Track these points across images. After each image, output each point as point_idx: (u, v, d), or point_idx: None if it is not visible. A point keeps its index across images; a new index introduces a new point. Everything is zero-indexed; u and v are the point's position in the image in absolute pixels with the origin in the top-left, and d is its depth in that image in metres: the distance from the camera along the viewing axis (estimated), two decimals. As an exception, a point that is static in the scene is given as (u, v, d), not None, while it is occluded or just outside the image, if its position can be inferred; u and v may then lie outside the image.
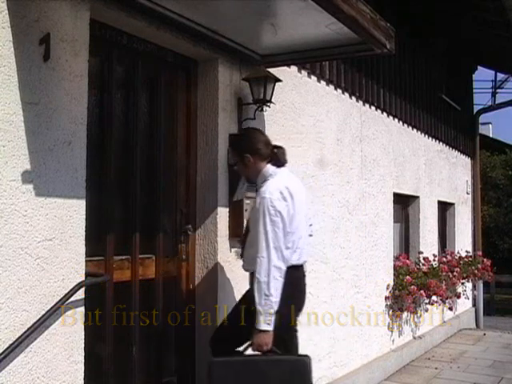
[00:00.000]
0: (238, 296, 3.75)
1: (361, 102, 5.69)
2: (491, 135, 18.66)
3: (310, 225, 3.42)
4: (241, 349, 3.08)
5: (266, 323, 2.86)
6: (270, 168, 3.15)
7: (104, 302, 3.07)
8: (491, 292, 11.79)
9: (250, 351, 3.04)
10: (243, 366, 2.94)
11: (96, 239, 2.98)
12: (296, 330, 3.18)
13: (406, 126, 6.84)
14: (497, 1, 6.68)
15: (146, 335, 3.36)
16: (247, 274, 3.85)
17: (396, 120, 6.56)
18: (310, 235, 3.41)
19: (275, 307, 2.87)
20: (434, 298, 6.73)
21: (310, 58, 4.01)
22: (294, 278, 3.01)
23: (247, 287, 3.85)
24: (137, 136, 3.34)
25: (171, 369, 3.59)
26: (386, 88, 6.27)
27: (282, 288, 2.90)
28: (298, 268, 3.09)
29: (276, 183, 3.06)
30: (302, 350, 4.45)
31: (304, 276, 3.20)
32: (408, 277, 6.23)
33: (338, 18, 3.04)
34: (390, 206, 6.28)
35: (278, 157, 3.20)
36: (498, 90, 10.73)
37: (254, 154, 3.17)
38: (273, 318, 2.87)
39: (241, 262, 3.81)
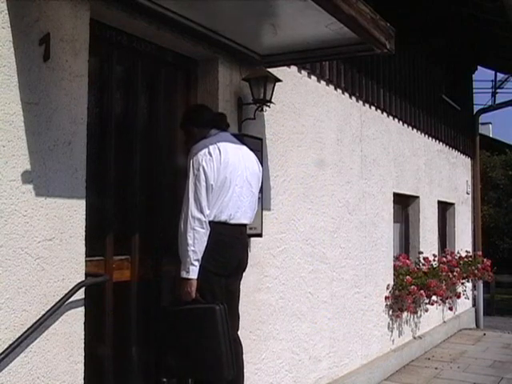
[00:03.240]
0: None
1: (361, 102, 5.69)
2: (491, 135, 18.66)
3: (259, 198, 3.49)
4: None
5: (185, 271, 2.98)
6: (212, 130, 3.26)
7: (104, 302, 3.08)
8: (491, 292, 11.79)
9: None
10: (175, 314, 3.09)
11: (95, 239, 2.98)
12: (225, 284, 3.18)
13: (405, 126, 6.84)
14: (497, 1, 6.68)
15: (146, 335, 3.36)
16: (247, 274, 3.86)
17: (396, 120, 6.56)
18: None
19: (195, 256, 2.97)
20: (434, 297, 6.73)
21: (310, 58, 4.01)
22: (218, 233, 3.06)
23: (247, 287, 3.85)
24: (137, 136, 3.33)
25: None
26: (386, 88, 6.27)
27: (207, 241, 3.01)
28: (227, 226, 3.13)
29: (206, 141, 3.15)
30: (302, 350, 4.48)
31: (236, 235, 3.21)
32: (408, 277, 6.23)
33: (337, 17, 3.04)
34: (390, 205, 6.28)
35: (219, 122, 3.34)
36: (497, 90, 10.73)
37: (198, 124, 3.29)
38: (193, 268, 2.98)
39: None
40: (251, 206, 3.30)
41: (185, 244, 2.97)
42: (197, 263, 2.98)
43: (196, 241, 2.97)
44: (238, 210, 3.17)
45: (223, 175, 3.07)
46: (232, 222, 3.14)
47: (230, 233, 3.15)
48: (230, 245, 3.17)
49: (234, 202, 3.14)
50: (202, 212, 2.99)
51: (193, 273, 2.98)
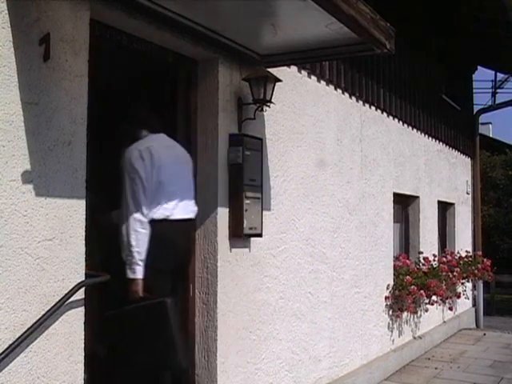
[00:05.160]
0: (239, 296, 3.76)
1: (361, 102, 5.68)
2: (491, 135, 18.65)
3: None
4: None
5: (131, 272, 3.11)
6: (143, 132, 3.39)
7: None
8: (491, 292, 11.78)
9: None
10: (124, 314, 3.16)
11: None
12: (169, 280, 3.33)
13: (405, 126, 6.84)
14: (497, 1, 6.67)
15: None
16: (247, 274, 3.87)
17: (396, 120, 6.56)
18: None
19: (139, 256, 3.10)
20: (434, 297, 6.73)
21: (310, 58, 4.01)
22: (157, 231, 3.18)
23: (247, 287, 3.86)
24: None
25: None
26: (386, 88, 6.27)
27: (149, 240, 3.14)
28: (167, 222, 3.25)
29: (139, 144, 3.30)
30: (302, 350, 4.47)
31: (177, 231, 3.33)
32: (408, 277, 6.23)
33: (337, 17, 3.04)
34: (390, 205, 6.28)
35: (151, 122, 3.45)
36: (497, 90, 10.73)
37: (131, 122, 3.42)
38: (139, 267, 3.11)
39: (241, 262, 3.83)
40: (189, 201, 3.42)
41: (128, 245, 3.11)
42: (141, 263, 3.11)
43: (139, 241, 3.11)
44: (176, 206, 3.29)
45: (156, 176, 3.21)
46: (172, 218, 3.27)
47: (170, 229, 3.26)
48: (172, 241, 3.28)
49: (170, 200, 3.26)
50: (141, 213, 3.14)
51: (138, 272, 3.11)
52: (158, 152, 3.27)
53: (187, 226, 3.42)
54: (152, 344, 3.06)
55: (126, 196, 3.16)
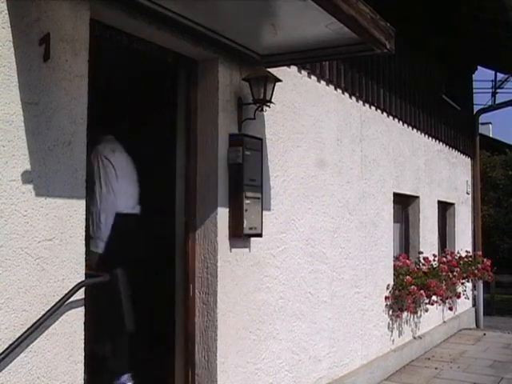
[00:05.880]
0: (239, 296, 3.76)
1: (361, 102, 5.68)
2: (491, 135, 18.65)
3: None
4: None
5: (95, 245, 3.42)
6: (108, 136, 3.75)
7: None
8: (491, 292, 11.78)
9: None
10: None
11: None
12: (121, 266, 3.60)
13: (406, 126, 6.84)
14: (497, 1, 6.67)
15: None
16: (247, 274, 3.87)
17: (396, 120, 6.56)
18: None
19: (106, 232, 3.40)
20: (434, 297, 6.73)
21: (310, 58, 4.01)
22: (115, 222, 3.51)
23: (247, 287, 3.86)
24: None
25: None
26: (386, 88, 6.27)
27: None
28: (122, 215, 3.57)
29: (108, 143, 3.72)
30: (302, 350, 4.47)
31: (129, 225, 3.64)
32: (408, 277, 6.23)
33: (337, 17, 3.04)
34: (390, 205, 6.28)
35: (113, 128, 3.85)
36: (498, 90, 10.73)
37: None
38: (101, 243, 3.41)
39: (241, 262, 3.83)
40: (134, 200, 3.74)
41: (98, 222, 3.40)
42: (105, 239, 3.40)
43: (108, 220, 3.42)
44: (126, 202, 3.62)
45: (119, 171, 3.55)
46: (124, 211, 3.58)
47: (124, 222, 3.55)
48: (123, 232, 3.54)
49: (127, 194, 3.59)
50: (114, 195, 3.46)
51: (100, 247, 3.42)
52: (118, 151, 3.71)
53: (133, 219, 3.71)
54: (104, 310, 3.31)
55: (100, 179, 3.48)
